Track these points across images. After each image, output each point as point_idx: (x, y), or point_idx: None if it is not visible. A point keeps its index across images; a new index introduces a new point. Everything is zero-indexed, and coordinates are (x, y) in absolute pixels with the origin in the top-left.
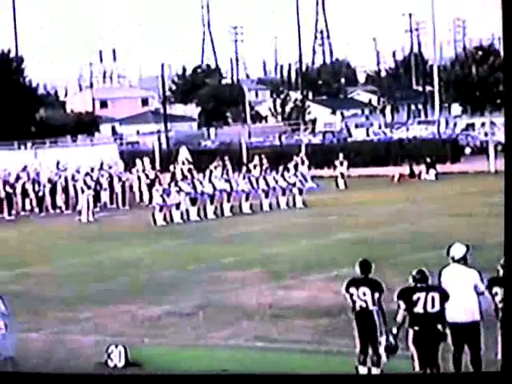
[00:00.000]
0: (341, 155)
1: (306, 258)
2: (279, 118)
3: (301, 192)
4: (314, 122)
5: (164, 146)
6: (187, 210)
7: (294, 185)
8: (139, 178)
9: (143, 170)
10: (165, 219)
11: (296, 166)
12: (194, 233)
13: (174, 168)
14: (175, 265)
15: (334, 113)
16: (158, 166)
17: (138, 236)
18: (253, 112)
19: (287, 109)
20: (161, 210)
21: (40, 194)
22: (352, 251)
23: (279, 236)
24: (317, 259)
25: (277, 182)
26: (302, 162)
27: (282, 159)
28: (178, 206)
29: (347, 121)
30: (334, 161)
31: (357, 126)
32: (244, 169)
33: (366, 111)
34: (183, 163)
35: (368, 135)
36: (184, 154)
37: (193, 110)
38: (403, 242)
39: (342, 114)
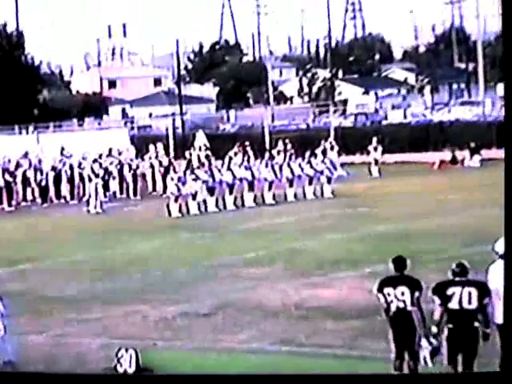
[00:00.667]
0: (374, 139)
1: (335, 254)
2: (306, 98)
3: (329, 181)
4: (344, 102)
5: (179, 130)
6: (204, 201)
7: (321, 173)
8: (152, 165)
9: (156, 157)
10: (180, 210)
11: (324, 152)
12: (212, 225)
13: (190, 154)
14: (191, 260)
15: (366, 93)
16: (172, 152)
17: (151, 229)
18: (277, 92)
19: (315, 88)
20: (176, 200)
21: (43, 182)
22: (387, 246)
23: (305, 229)
24: (347, 255)
25: (303, 169)
26: (331, 148)
27: (309, 144)
28: (194, 196)
29: (382, 101)
30: (366, 146)
31: (393, 107)
32: (267, 155)
33: (403, 91)
34: (200, 149)
35: (405, 117)
36: (201, 138)
37: (210, 90)
38: (443, 236)
39: (375, 93)
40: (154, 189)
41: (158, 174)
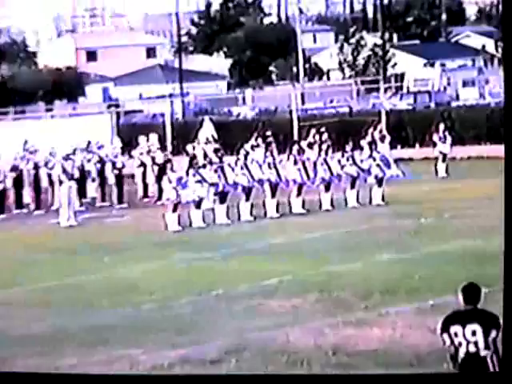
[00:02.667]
0: (441, 127)
1: (386, 280)
2: (348, 72)
3: (380, 182)
4: (400, 78)
5: (179, 116)
6: (213, 210)
7: (369, 172)
8: (143, 163)
9: (149, 152)
10: (180, 223)
11: (373, 144)
12: (222, 242)
13: (194, 148)
14: (195, 289)
15: (430, 64)
16: (169, 146)
17: (142, 247)
18: (309, 65)
19: (360, 59)
20: (175, 209)
21: None
22: (455, 270)
23: (346, 247)
24: (403, 282)
25: (343, 167)
26: (382, 139)
27: (352, 134)
28: (198, 203)
29: (451, 76)
30: (431, 135)
31: (465, 84)
32: (295, 148)
33: (479, 61)
34: (207, 141)
35: (482, 97)
36: (208, 127)
37: (221, 63)
38: None
39: (442, 65)
40: (146, 194)
41: (151, 175)
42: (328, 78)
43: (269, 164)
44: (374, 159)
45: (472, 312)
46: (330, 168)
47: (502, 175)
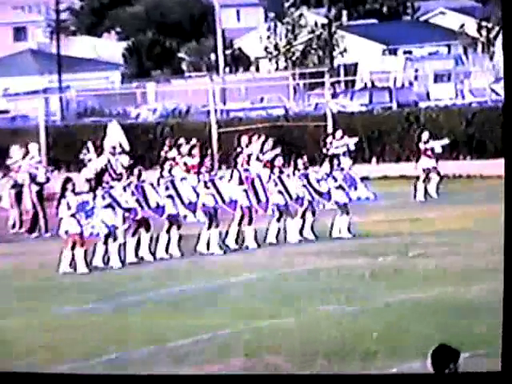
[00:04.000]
0: (425, 135)
1: (332, 341)
2: (282, 62)
3: (344, 208)
4: (351, 69)
5: (57, 118)
6: (124, 245)
7: (327, 196)
8: (16, 183)
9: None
10: (88, 265)
11: (334, 159)
12: (119, 289)
13: (89, 161)
14: (78, 353)
15: (391, 52)
16: (44, 159)
17: (19, 299)
18: (231, 51)
19: (298, 44)
20: (73, 246)
21: None
22: (423, 327)
23: (280, 296)
24: (355, 342)
25: (285, 190)
26: (344, 150)
27: (288, 144)
28: (107, 236)
29: (418, 67)
30: (413, 145)
31: (437, 78)
32: (213, 163)
33: (457, 48)
34: (114, 152)
35: (461, 96)
36: (115, 133)
37: (112, 47)
38: None
39: (407, 53)
40: (22, 226)
41: (29, 200)
42: (257, 70)
43: (205, 183)
44: (335, 179)
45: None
46: (264, 190)
47: (486, 201)
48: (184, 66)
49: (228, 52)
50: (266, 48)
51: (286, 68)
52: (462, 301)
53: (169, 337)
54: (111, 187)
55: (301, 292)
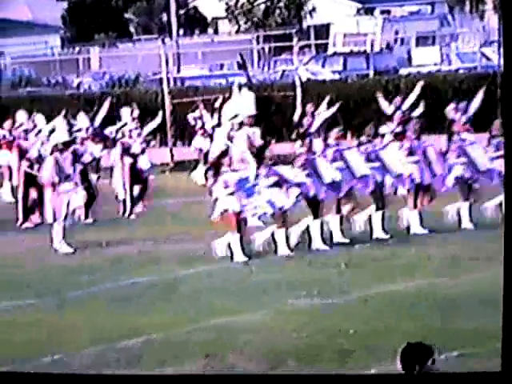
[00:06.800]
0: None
1: (304, 339)
2: (243, 22)
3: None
4: (322, 31)
5: None
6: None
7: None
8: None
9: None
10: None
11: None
12: (62, 283)
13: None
14: (18, 352)
15: (366, 11)
16: None
17: None
18: (185, 10)
19: (261, 2)
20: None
21: None
22: (406, 321)
23: (245, 288)
24: (329, 339)
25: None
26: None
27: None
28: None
29: (398, 28)
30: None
31: (420, 42)
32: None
33: (442, 6)
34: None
35: (447, 61)
36: (247, 98)
37: (51, 7)
38: None
39: (385, 12)
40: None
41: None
42: (215, 32)
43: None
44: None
45: None
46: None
47: None
48: (132, 28)
49: (182, 12)
50: (226, 7)
51: (248, 30)
52: (448, 291)
53: (117, 335)
54: (274, 163)
55: (268, 284)
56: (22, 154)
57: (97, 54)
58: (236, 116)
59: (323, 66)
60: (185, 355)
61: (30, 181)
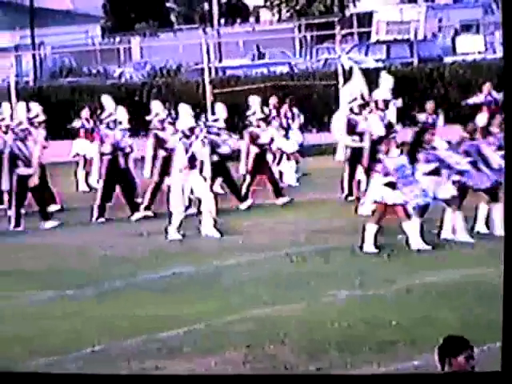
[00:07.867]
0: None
1: (345, 330)
2: (285, 11)
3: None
4: (366, 19)
5: (30, 78)
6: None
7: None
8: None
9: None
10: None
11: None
12: (101, 274)
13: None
14: (51, 348)
15: None
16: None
17: None
18: (226, 0)
19: None
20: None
21: None
22: (448, 312)
23: (285, 280)
24: (370, 331)
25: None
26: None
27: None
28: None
29: (442, 16)
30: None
31: (464, 29)
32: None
33: None
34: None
35: (491, 49)
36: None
37: None
38: None
39: (428, 0)
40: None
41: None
42: (256, 21)
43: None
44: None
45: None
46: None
47: None
48: (173, 18)
49: (223, 1)
50: None
51: (290, 18)
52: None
53: (156, 326)
54: (433, 148)
55: (309, 276)
56: (160, 144)
57: (138, 43)
58: (355, 99)
59: (366, 54)
60: (226, 346)
61: (116, 173)
